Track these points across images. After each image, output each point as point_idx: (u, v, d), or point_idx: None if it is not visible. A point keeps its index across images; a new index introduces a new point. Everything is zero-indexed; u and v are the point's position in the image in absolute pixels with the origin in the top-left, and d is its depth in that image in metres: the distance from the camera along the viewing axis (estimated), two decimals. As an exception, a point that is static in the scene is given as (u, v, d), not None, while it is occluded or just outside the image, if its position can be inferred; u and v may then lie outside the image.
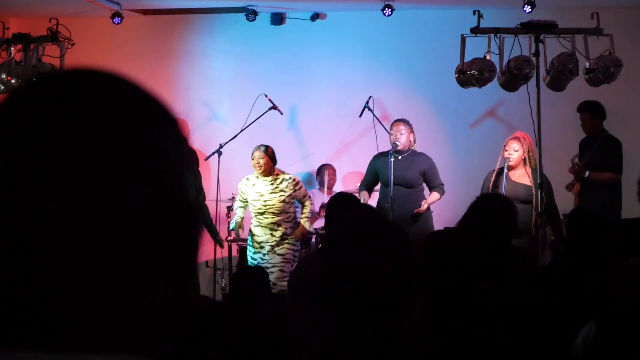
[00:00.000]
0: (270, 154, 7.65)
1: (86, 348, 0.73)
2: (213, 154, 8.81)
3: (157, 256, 0.76)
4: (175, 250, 0.78)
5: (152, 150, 0.77)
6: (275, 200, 7.59)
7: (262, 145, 7.74)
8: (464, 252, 3.16)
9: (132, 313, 0.75)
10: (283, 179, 7.66)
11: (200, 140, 9.48)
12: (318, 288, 2.17)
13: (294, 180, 7.69)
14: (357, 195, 7.04)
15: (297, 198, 7.68)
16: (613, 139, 7.88)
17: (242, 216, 7.84)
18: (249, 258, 7.72)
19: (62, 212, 0.73)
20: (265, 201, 7.61)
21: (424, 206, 7.39)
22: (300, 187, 7.72)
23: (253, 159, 7.65)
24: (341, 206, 4.97)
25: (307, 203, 7.69)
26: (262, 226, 7.65)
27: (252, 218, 7.81)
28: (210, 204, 8.71)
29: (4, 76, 7.58)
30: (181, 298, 0.79)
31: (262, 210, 7.63)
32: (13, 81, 7.55)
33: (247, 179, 7.79)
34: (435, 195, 7.56)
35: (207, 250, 9.62)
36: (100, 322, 0.74)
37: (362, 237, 2.12)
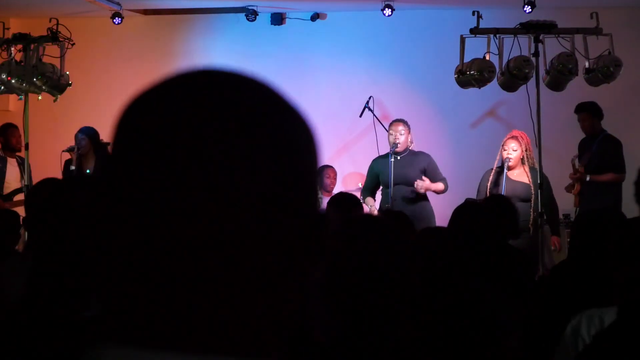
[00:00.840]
0: None
1: (225, 351, 0.73)
2: (213, 154, 8.81)
3: (285, 263, 0.76)
4: (301, 257, 0.78)
5: (289, 154, 0.78)
6: None
7: None
8: (460, 253, 3.17)
9: (257, 319, 0.75)
10: None
11: (200, 140, 9.49)
12: (318, 288, 2.17)
13: None
14: (357, 195, 7.02)
15: None
16: (613, 138, 7.87)
17: None
18: None
19: (193, 214, 0.73)
20: None
21: (421, 183, 7.29)
22: None
23: None
24: (341, 206, 4.96)
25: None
26: None
27: None
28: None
29: (4, 76, 7.58)
30: (299, 305, 0.79)
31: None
32: (13, 81, 7.56)
33: None
34: (439, 184, 7.47)
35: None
36: (227, 326, 0.74)
37: (361, 237, 2.13)
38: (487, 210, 4.73)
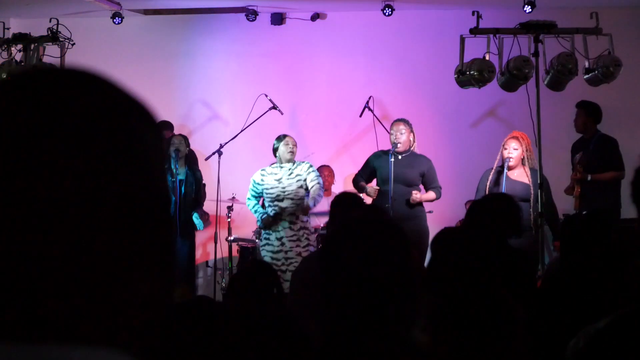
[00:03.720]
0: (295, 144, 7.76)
1: (68, 341, 0.75)
2: (213, 154, 8.82)
3: (138, 250, 0.77)
4: (154, 245, 0.79)
5: (131, 147, 0.78)
6: (293, 186, 7.55)
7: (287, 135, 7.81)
8: (470, 252, 3.17)
9: (114, 308, 0.76)
10: (298, 165, 7.67)
11: (200, 140, 9.49)
12: (318, 288, 2.18)
13: (308, 164, 7.72)
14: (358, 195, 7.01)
15: (308, 180, 7.64)
16: (608, 138, 7.91)
17: (264, 211, 7.74)
18: (267, 259, 7.43)
19: (46, 209, 0.74)
20: (283, 187, 7.55)
21: (416, 196, 7.36)
22: (314, 170, 7.71)
23: (288, 145, 7.64)
24: (345, 206, 4.97)
25: (315, 185, 7.56)
26: (280, 219, 7.56)
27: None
28: (210, 204, 8.72)
29: (4, 76, 7.56)
30: (162, 293, 0.80)
31: (280, 197, 7.56)
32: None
33: (264, 169, 7.75)
34: (431, 194, 7.54)
35: (208, 250, 9.64)
36: (84, 316, 0.75)
37: (360, 237, 2.13)
38: (488, 209, 4.74)
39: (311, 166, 7.73)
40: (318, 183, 7.61)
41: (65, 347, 0.75)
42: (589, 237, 4.06)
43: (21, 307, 0.74)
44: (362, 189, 7.61)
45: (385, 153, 7.61)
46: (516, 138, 7.11)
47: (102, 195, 0.76)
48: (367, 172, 7.74)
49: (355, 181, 7.75)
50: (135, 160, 0.78)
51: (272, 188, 7.59)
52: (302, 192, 7.59)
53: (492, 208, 4.76)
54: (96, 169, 0.75)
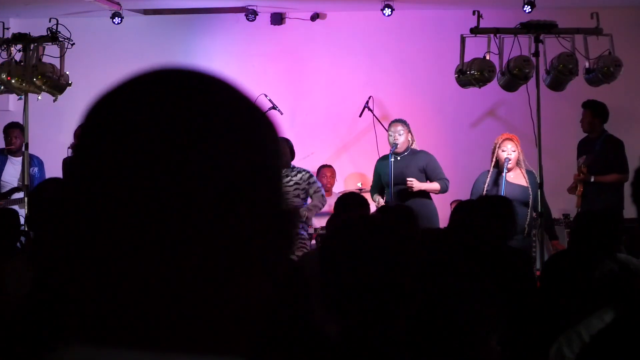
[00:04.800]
0: (290, 146, 7.59)
1: (176, 348, 0.74)
2: (213, 154, 8.79)
3: (251, 258, 0.77)
4: (268, 252, 0.79)
5: (254, 153, 0.78)
6: (290, 194, 7.46)
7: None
8: (459, 253, 3.17)
9: (223, 314, 0.76)
10: (298, 172, 7.54)
11: (200, 140, 9.49)
12: (316, 287, 2.17)
13: (308, 173, 7.60)
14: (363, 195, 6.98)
15: (309, 193, 7.55)
16: (615, 139, 7.86)
17: None
18: None
19: (158, 212, 0.73)
20: None
21: (412, 183, 7.28)
22: (315, 182, 7.57)
23: None
24: (348, 206, 4.96)
25: (315, 198, 7.48)
26: None
27: None
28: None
29: (4, 76, 7.57)
30: (268, 300, 0.79)
31: (286, 201, 7.42)
32: (13, 81, 7.55)
33: None
34: (435, 184, 7.42)
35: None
36: (191, 323, 0.74)
37: (359, 236, 2.13)
38: (484, 211, 4.74)
39: (312, 176, 7.56)
40: (320, 199, 7.51)
41: (194, 357, 0.74)
42: (599, 234, 4.05)
43: (148, 314, 0.74)
44: (374, 200, 7.56)
45: (385, 158, 7.59)
46: (510, 140, 7.07)
47: (218, 199, 0.75)
48: (376, 181, 7.71)
49: (371, 193, 7.70)
50: (255, 164, 0.78)
51: None
52: (298, 201, 7.45)
53: (487, 210, 4.75)
54: (213, 172, 0.75)
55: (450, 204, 7.94)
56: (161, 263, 0.73)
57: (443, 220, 7.49)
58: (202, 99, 0.78)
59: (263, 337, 0.79)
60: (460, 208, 4.87)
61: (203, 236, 0.74)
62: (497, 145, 7.06)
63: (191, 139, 0.75)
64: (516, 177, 7.03)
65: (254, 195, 0.77)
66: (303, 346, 2.13)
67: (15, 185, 8.13)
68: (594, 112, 7.90)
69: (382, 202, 7.50)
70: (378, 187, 7.67)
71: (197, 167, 0.74)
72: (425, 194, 7.41)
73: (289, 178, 7.43)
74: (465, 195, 7.53)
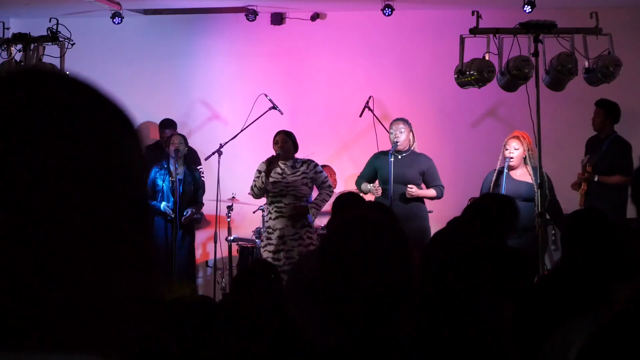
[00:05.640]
0: (293, 139, 7.59)
1: (48, 347, 0.74)
2: (213, 154, 8.81)
3: (116, 253, 0.77)
4: (132, 247, 0.79)
5: (109, 150, 0.78)
6: (298, 182, 7.42)
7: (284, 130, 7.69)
8: (463, 252, 3.17)
9: (94, 311, 0.76)
10: (303, 162, 7.55)
11: (200, 140, 9.49)
12: (316, 286, 2.18)
13: (313, 163, 7.57)
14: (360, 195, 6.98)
15: (316, 183, 7.49)
16: (623, 141, 7.85)
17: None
18: (268, 259, 7.20)
19: (23, 211, 0.74)
20: (287, 183, 7.41)
21: (412, 190, 7.33)
22: (321, 172, 7.55)
23: (277, 144, 7.47)
24: (346, 205, 4.96)
25: (323, 190, 7.46)
26: (283, 216, 7.41)
27: (270, 211, 7.53)
28: (210, 203, 8.72)
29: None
30: (143, 294, 0.79)
31: (283, 192, 7.42)
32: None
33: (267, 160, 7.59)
34: (431, 191, 7.51)
35: (208, 251, 9.64)
36: (62, 321, 0.74)
37: (358, 236, 2.13)
38: (487, 210, 4.75)
39: (317, 166, 7.56)
40: (327, 190, 7.49)
41: (45, 355, 0.74)
42: (590, 233, 4.04)
43: (3, 314, 0.73)
44: (364, 189, 7.58)
45: (385, 154, 7.61)
46: (517, 138, 7.13)
47: (79, 197, 0.75)
48: (368, 173, 7.73)
49: (357, 183, 7.74)
50: (114, 161, 0.78)
51: (274, 182, 7.42)
52: (306, 189, 7.46)
53: (487, 208, 4.76)
54: (77, 170, 0.75)
55: (469, 201, 7.94)
56: (17, 263, 0.73)
57: (444, 220, 7.49)
58: (51, 97, 0.78)
59: (134, 330, 0.79)
60: (468, 207, 4.90)
61: (54, 230, 0.74)
62: (504, 144, 7.15)
63: (35, 134, 0.75)
64: (522, 175, 7.07)
65: (105, 184, 0.77)
66: (283, 348, 2.13)
67: None
68: (607, 112, 7.90)
69: (374, 186, 7.51)
70: (368, 178, 7.67)
71: (38, 161, 0.74)
72: (419, 200, 7.50)
73: (296, 168, 7.46)
74: (465, 195, 7.54)
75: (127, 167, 0.80)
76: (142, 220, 0.81)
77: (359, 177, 7.80)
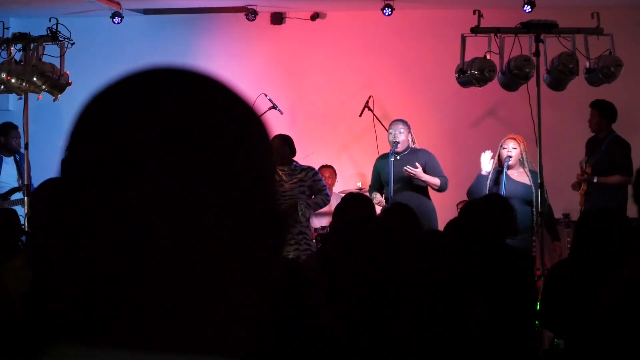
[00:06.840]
0: (290, 143, 7.43)
1: (168, 349, 0.74)
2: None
3: (244, 261, 0.76)
4: (261, 255, 0.78)
5: (247, 152, 0.77)
6: (295, 191, 7.29)
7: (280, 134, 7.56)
8: (456, 254, 3.16)
9: (216, 315, 0.75)
10: (302, 169, 7.42)
11: (200, 140, 9.48)
12: (316, 287, 2.17)
13: (313, 171, 7.41)
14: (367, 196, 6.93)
15: (313, 190, 7.35)
16: (621, 140, 7.81)
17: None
18: None
19: (154, 214, 0.73)
20: (284, 192, 7.25)
21: (415, 171, 7.24)
22: (320, 180, 7.41)
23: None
24: (352, 207, 4.95)
25: (319, 196, 7.32)
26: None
27: None
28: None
29: (3, 76, 7.57)
30: (263, 301, 0.79)
31: (279, 202, 7.25)
32: (13, 81, 7.54)
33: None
34: (435, 178, 7.38)
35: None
36: (187, 324, 0.74)
37: (359, 237, 2.12)
38: (485, 209, 4.74)
39: (316, 173, 7.40)
40: (324, 196, 7.38)
41: (187, 357, 0.74)
42: (602, 233, 4.03)
43: (141, 315, 0.73)
44: (374, 201, 7.50)
45: (385, 156, 7.58)
46: (514, 139, 7.10)
47: (209, 201, 0.74)
48: (375, 179, 7.68)
49: (369, 192, 7.64)
50: (258, 171, 0.78)
51: None
52: (303, 197, 7.34)
53: (486, 209, 4.75)
54: (204, 174, 0.74)
55: (457, 205, 7.93)
56: (156, 264, 0.73)
57: (444, 220, 7.47)
58: (194, 98, 0.77)
59: (259, 338, 0.79)
60: (466, 208, 4.89)
61: (197, 237, 0.74)
62: (501, 145, 7.11)
63: (185, 139, 0.74)
64: (520, 176, 7.04)
65: (247, 196, 0.76)
66: (305, 346, 2.13)
67: (16, 185, 8.12)
68: (602, 112, 7.87)
69: (382, 200, 7.48)
70: (377, 185, 7.65)
71: (191, 167, 0.74)
72: (424, 192, 7.40)
73: (293, 176, 7.32)
74: (465, 195, 7.53)
75: (268, 175, 0.80)
76: (276, 229, 0.79)
77: (369, 186, 7.76)
